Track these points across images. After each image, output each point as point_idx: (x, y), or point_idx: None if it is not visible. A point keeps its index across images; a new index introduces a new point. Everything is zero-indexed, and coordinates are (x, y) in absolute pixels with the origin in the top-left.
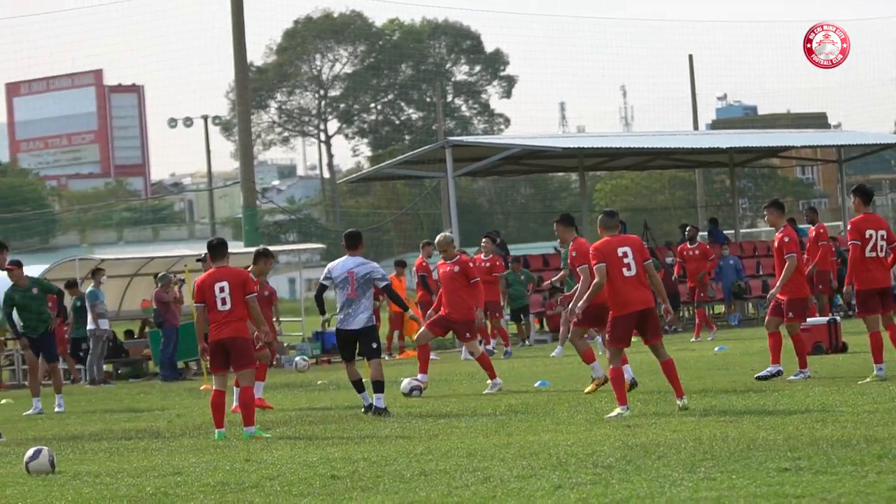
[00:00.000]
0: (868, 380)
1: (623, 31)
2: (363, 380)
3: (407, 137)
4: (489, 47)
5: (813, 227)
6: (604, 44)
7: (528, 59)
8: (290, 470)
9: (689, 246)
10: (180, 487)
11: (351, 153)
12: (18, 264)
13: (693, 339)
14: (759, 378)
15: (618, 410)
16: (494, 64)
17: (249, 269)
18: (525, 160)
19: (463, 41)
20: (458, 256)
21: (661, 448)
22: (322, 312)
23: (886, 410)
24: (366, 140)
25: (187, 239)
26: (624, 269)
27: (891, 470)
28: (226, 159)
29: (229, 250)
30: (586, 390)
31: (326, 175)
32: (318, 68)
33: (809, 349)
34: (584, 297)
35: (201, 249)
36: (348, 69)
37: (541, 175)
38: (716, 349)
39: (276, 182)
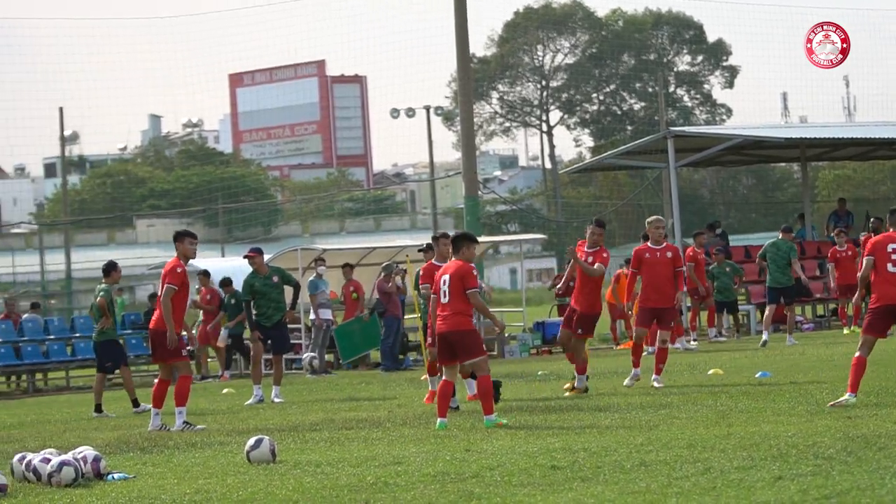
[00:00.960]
0: None
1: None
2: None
3: (629, 128)
4: (711, 37)
5: None
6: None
7: (750, 49)
8: (510, 460)
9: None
10: (401, 477)
11: (572, 143)
12: (259, 252)
13: None
14: None
15: (846, 396)
16: (717, 54)
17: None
18: (747, 150)
19: (685, 31)
20: (666, 243)
21: (882, 439)
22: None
23: None
24: (587, 130)
25: (409, 229)
26: (889, 265)
27: None
28: (448, 150)
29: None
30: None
31: (548, 165)
32: (540, 59)
33: None
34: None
35: (423, 239)
36: (570, 60)
37: (762, 165)
38: None
39: (497, 172)
